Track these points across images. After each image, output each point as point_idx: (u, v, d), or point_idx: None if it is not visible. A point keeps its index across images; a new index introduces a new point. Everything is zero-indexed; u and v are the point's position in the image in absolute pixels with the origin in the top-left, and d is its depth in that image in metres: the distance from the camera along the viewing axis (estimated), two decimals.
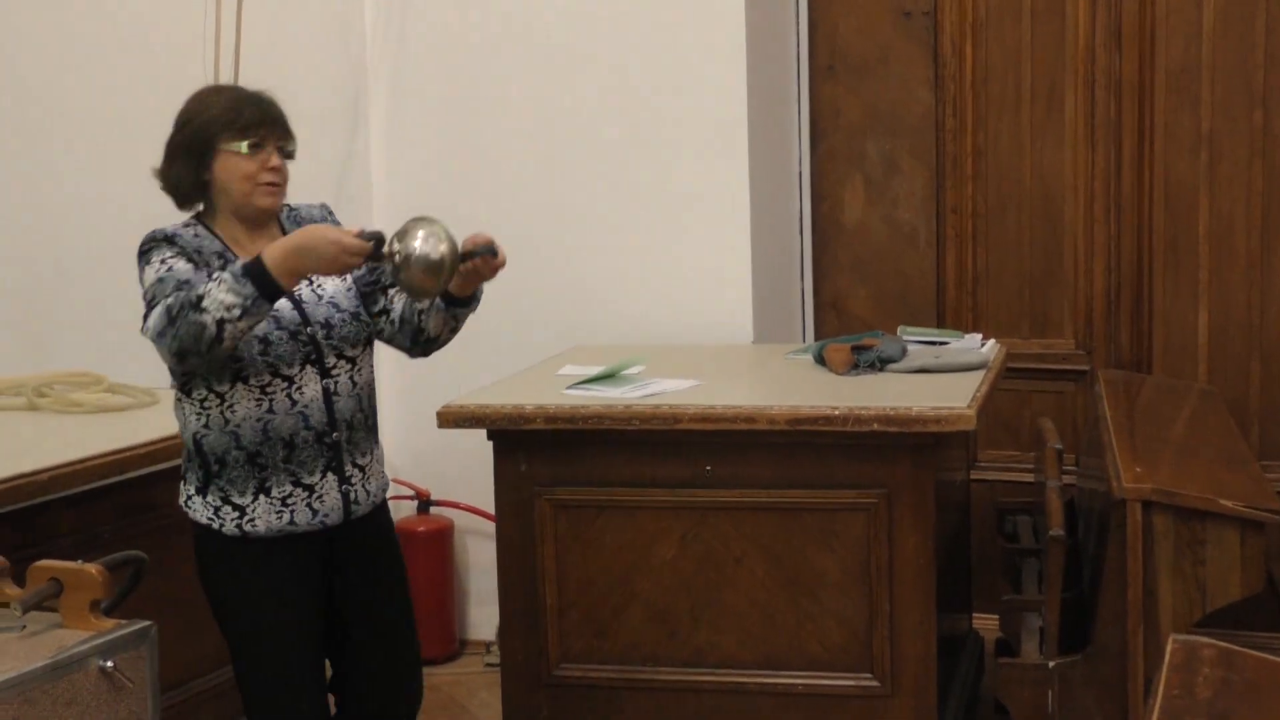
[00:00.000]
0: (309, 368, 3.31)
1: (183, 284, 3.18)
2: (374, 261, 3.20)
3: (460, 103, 5.33)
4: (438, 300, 3.36)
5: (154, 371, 5.27)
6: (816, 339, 5.41)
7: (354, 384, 3.40)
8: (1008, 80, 5.45)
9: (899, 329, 4.75)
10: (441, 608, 5.33)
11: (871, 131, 5.58)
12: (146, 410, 4.56)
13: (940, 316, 5.54)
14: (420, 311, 3.40)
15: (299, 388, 3.30)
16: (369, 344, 3.46)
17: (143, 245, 3.28)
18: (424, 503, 5.37)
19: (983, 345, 4.54)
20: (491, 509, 4.30)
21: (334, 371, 3.35)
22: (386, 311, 3.46)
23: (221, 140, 3.28)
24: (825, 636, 4.03)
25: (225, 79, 5.16)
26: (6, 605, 3.33)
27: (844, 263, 5.64)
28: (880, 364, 4.34)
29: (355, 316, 3.41)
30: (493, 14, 5.27)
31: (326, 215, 3.55)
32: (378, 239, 3.14)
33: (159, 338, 3.16)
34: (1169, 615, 3.81)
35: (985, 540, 5.21)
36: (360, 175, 5.40)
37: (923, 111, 5.51)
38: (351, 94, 5.37)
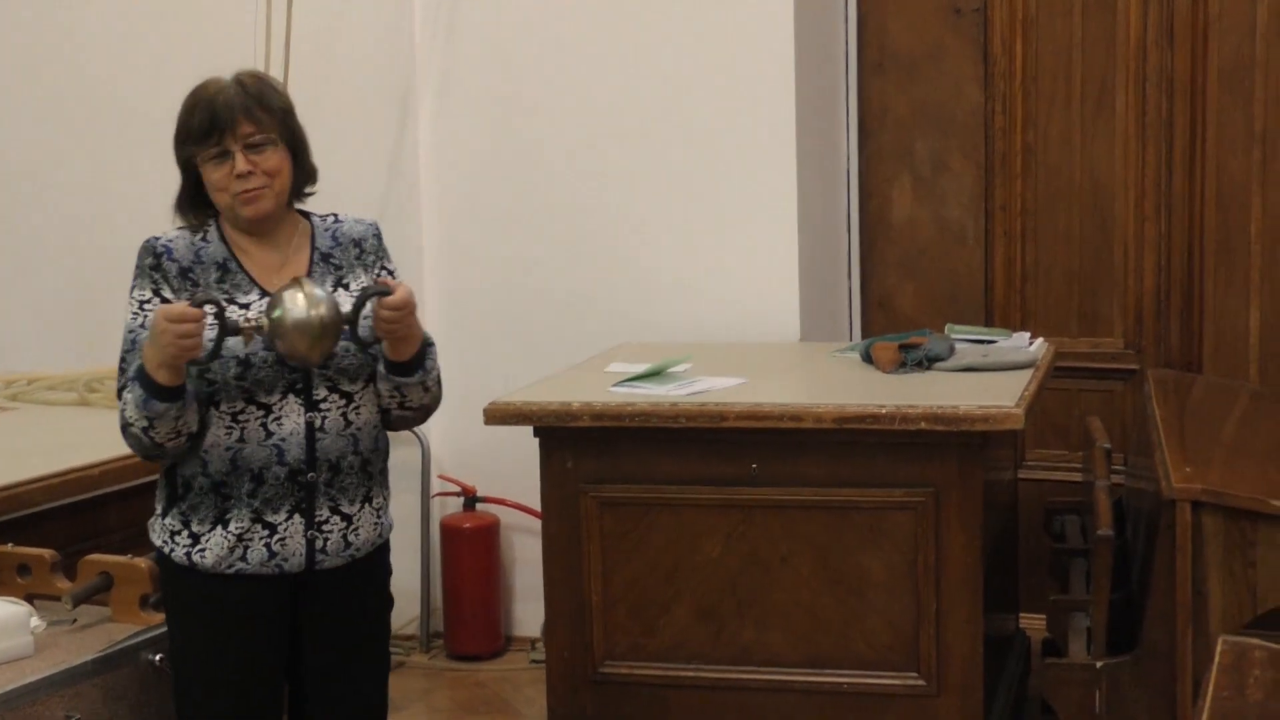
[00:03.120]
0: (291, 397, 2.98)
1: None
2: (228, 335, 2.84)
3: (508, 100, 5.34)
4: (380, 365, 3.02)
5: None
6: (863, 337, 5.40)
7: (346, 422, 3.04)
8: (1058, 77, 5.42)
9: (946, 327, 4.73)
10: (487, 604, 5.34)
11: (920, 129, 5.56)
12: None
13: (988, 315, 5.52)
14: (377, 378, 3.07)
15: (277, 418, 2.98)
16: (375, 381, 3.09)
17: (138, 256, 3.05)
18: (470, 499, 5.38)
19: (1031, 344, 4.52)
20: (537, 506, 4.31)
21: (322, 405, 3.01)
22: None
23: (195, 154, 2.99)
24: (872, 636, 4.02)
25: (275, 76, 5.19)
26: (57, 598, 3.37)
27: (891, 260, 5.63)
28: (928, 362, 4.33)
29: (365, 349, 3.05)
30: (541, 11, 5.28)
31: (372, 236, 3.20)
32: (210, 301, 2.84)
33: (122, 437, 2.98)
34: (1218, 616, 3.78)
35: (1032, 540, 5.19)
36: (409, 173, 5.41)
37: (972, 109, 5.49)
38: (401, 92, 5.39)
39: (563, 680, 4.21)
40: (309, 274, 3.04)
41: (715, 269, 5.19)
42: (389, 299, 2.92)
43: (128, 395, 2.89)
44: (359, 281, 3.10)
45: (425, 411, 3.15)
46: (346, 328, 2.92)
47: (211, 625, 3.03)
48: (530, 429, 4.16)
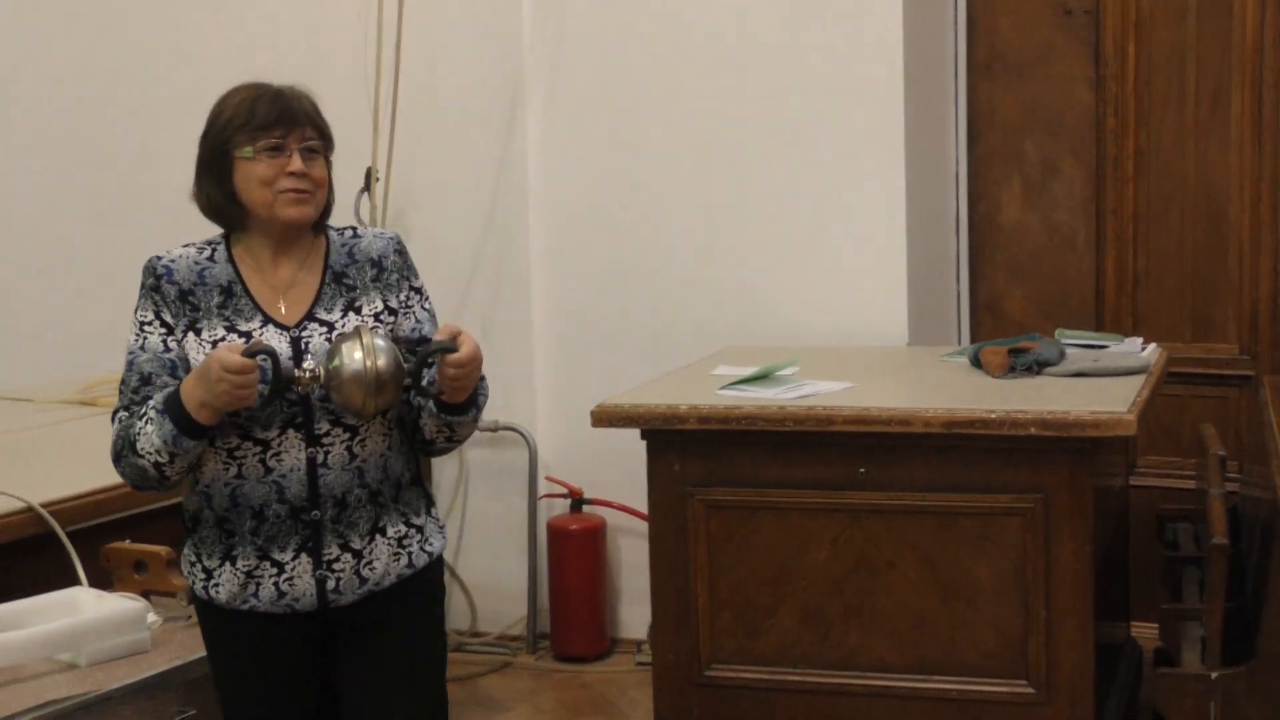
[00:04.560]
0: (291, 432, 2.79)
1: (140, 386, 2.80)
2: (284, 385, 2.72)
3: (616, 105, 5.34)
4: (429, 403, 2.83)
5: None
6: (972, 341, 5.34)
7: (352, 456, 2.83)
8: (1171, 79, 5.33)
9: (1056, 332, 4.68)
10: (593, 606, 5.34)
11: (1030, 131, 5.49)
12: None
13: (1099, 319, 5.44)
14: (419, 410, 2.87)
15: (276, 454, 2.79)
16: (383, 412, 2.84)
17: (142, 274, 2.87)
18: (577, 501, 5.39)
19: (1143, 349, 4.45)
20: (644, 508, 4.31)
21: (324, 440, 2.81)
22: (406, 389, 2.85)
23: (235, 145, 2.80)
24: (980, 642, 3.97)
25: (385, 83, 5.23)
26: (173, 594, 3.40)
27: (1000, 264, 5.56)
28: (1038, 367, 4.28)
29: (428, 399, 2.85)
30: (648, 17, 5.28)
31: (393, 252, 2.95)
32: (265, 351, 2.68)
33: (114, 466, 2.82)
34: None
35: (1144, 547, 5.11)
36: (516, 178, 5.43)
37: (1082, 111, 5.42)
38: (509, 98, 5.40)
39: (669, 683, 4.20)
40: (320, 294, 2.86)
41: (823, 272, 5.15)
42: (455, 357, 2.73)
43: (147, 427, 2.72)
44: (373, 305, 2.88)
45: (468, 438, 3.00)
46: (408, 380, 2.77)
47: (234, 659, 2.91)
48: (637, 431, 4.16)
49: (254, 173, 2.78)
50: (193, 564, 2.88)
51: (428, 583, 2.96)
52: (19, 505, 3.54)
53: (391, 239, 2.96)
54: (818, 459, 4.03)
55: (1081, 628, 3.91)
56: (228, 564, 2.83)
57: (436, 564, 2.98)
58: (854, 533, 4.04)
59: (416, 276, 2.97)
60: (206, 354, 2.72)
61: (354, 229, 2.96)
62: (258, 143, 2.78)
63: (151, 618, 3.19)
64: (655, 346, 5.16)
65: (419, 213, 5.49)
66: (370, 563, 2.85)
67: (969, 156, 5.55)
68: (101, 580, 3.43)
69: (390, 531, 2.88)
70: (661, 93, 5.28)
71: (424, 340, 2.86)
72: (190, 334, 2.80)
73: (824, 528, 4.05)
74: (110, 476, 3.05)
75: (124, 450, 2.77)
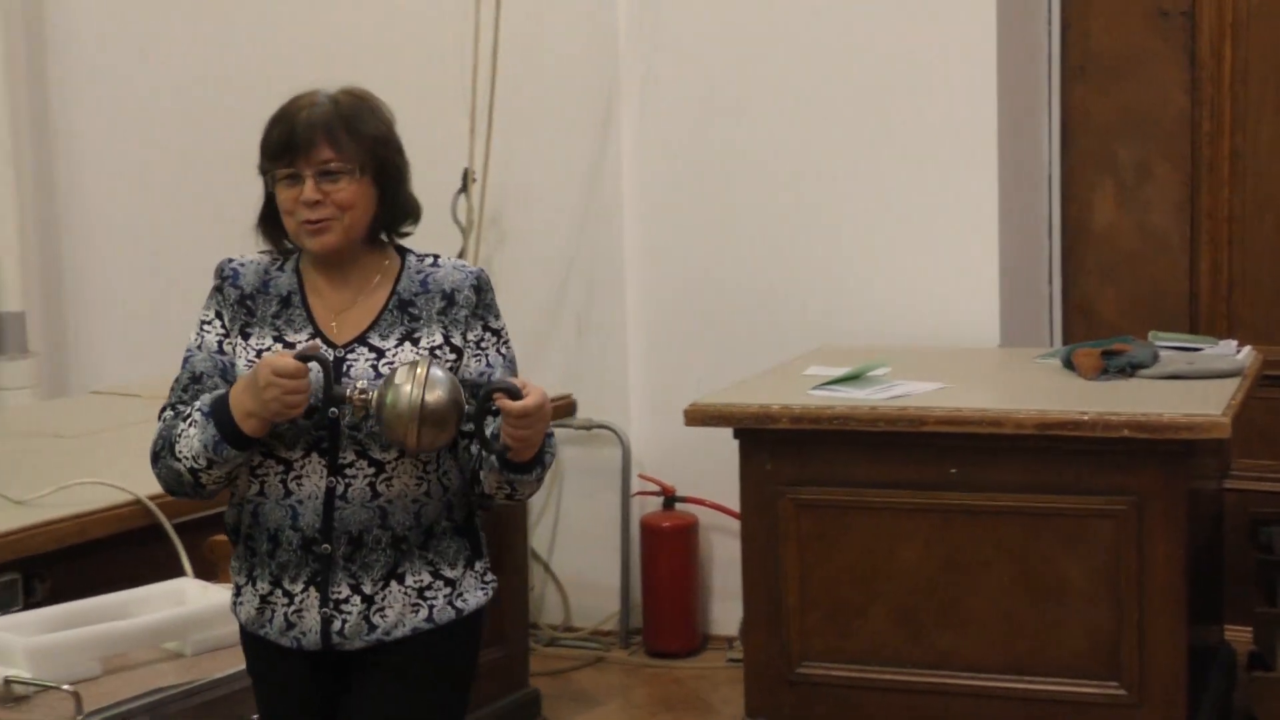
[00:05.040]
0: (315, 456, 2.61)
1: (190, 384, 2.69)
2: (334, 400, 2.56)
3: (709, 104, 5.34)
4: (492, 458, 2.57)
5: None
6: (1064, 343, 5.30)
7: (374, 493, 2.61)
8: (1268, 82, 5.26)
9: (1150, 334, 4.64)
10: (685, 602, 5.36)
11: (1123, 135, 5.43)
12: None
13: (1193, 322, 5.37)
14: (479, 459, 2.62)
15: (297, 477, 2.62)
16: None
17: (214, 276, 2.79)
18: (669, 499, 5.40)
19: (1238, 352, 4.41)
20: (736, 506, 4.31)
21: (347, 471, 2.61)
22: (467, 435, 2.63)
23: (264, 172, 2.67)
24: (1071, 643, 3.95)
25: (483, 87, 5.28)
26: None
27: (1093, 267, 5.51)
28: (1131, 369, 4.25)
29: (492, 454, 2.59)
30: (740, 22, 5.28)
31: (469, 287, 2.70)
32: (317, 358, 2.54)
33: (152, 466, 2.70)
34: None
35: (1238, 550, 5.05)
36: (611, 176, 5.45)
37: (1177, 114, 5.36)
38: (604, 101, 5.43)
39: (760, 680, 4.21)
40: (379, 319, 2.67)
41: (915, 273, 5.14)
42: (516, 405, 2.48)
43: (189, 429, 2.60)
44: (432, 338, 2.66)
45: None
46: (470, 426, 2.57)
47: (257, 680, 2.79)
48: (730, 430, 4.17)
49: (280, 201, 2.65)
50: (234, 580, 2.75)
51: (451, 639, 2.70)
52: (128, 498, 3.61)
53: (472, 273, 2.72)
54: (909, 459, 4.02)
55: (1174, 630, 3.87)
56: (250, 584, 2.69)
57: (468, 621, 2.71)
58: (945, 533, 4.03)
59: (497, 318, 2.73)
60: (251, 361, 2.63)
61: (435, 257, 2.74)
62: (276, 171, 2.63)
63: None
64: (747, 347, 5.17)
65: (515, 213, 5.52)
66: (382, 610, 2.63)
67: (1062, 160, 5.51)
68: (205, 572, 3.47)
69: (410, 580, 2.64)
70: (753, 97, 5.28)
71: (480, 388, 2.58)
72: (240, 339, 2.69)
73: (915, 527, 4.05)
74: None
75: (163, 451, 2.65)
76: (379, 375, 2.59)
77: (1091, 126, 5.48)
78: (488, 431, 2.54)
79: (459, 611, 2.68)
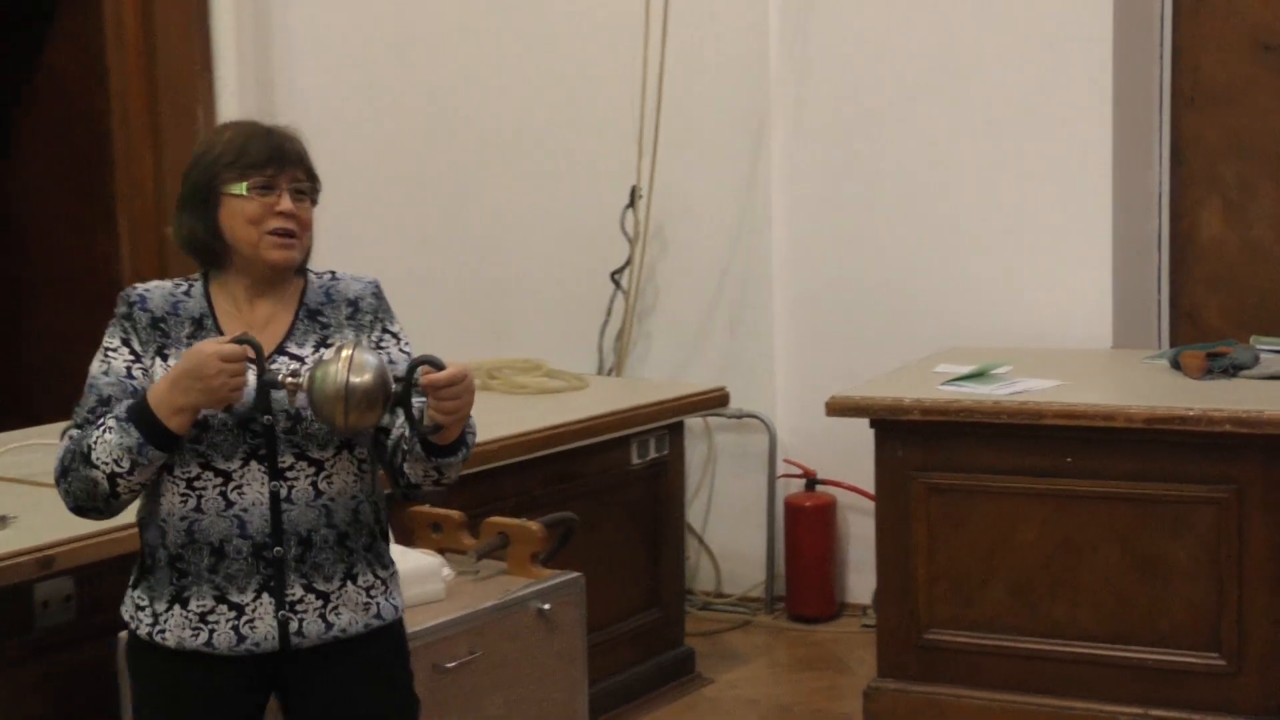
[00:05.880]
0: (254, 464, 2.41)
1: (97, 406, 2.42)
2: (272, 389, 2.37)
3: (850, 131, 5.32)
4: (416, 446, 2.42)
5: (584, 360, 5.49)
6: (1172, 346, 5.21)
7: (317, 492, 2.44)
8: None
9: (1252, 338, 4.54)
10: (824, 573, 5.35)
11: (1229, 156, 5.31)
12: (577, 394, 4.72)
13: None
14: (403, 452, 2.46)
15: (238, 487, 2.41)
16: (349, 448, 2.49)
17: (116, 303, 2.52)
18: (811, 481, 5.39)
19: None
20: (870, 489, 4.30)
21: (288, 474, 2.43)
22: (385, 430, 2.49)
23: (225, 181, 2.44)
24: (1174, 617, 3.89)
25: (649, 111, 5.31)
26: (463, 553, 3.51)
27: (1199, 277, 5.40)
28: (1233, 370, 4.17)
29: (420, 435, 2.42)
30: (881, 52, 5.25)
31: (369, 295, 2.58)
32: (249, 341, 2.34)
33: (57, 484, 2.43)
34: None
35: None
36: (761, 193, 5.45)
37: (1279, 137, 5.23)
38: (756, 124, 5.43)
39: (891, 644, 4.20)
40: (292, 329, 2.51)
41: (1036, 281, 5.08)
42: (439, 375, 2.33)
43: (105, 436, 2.35)
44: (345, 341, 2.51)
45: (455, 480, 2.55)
46: (389, 420, 2.45)
47: (171, 705, 2.48)
48: (866, 420, 4.16)
49: (242, 210, 2.43)
50: (141, 608, 2.47)
51: (394, 637, 2.57)
52: None
53: (370, 283, 2.59)
54: (1028, 449, 3.99)
55: (1271, 607, 3.80)
56: (177, 606, 2.43)
57: (401, 619, 2.59)
58: (1060, 516, 3.99)
59: (393, 321, 2.59)
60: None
61: (333, 273, 2.60)
62: (249, 179, 2.43)
63: (446, 571, 3.28)
64: (883, 346, 5.15)
65: (677, 225, 5.55)
66: (336, 609, 2.46)
67: (1171, 179, 5.41)
68: (404, 538, 3.53)
69: (360, 580, 2.49)
70: (891, 119, 5.26)
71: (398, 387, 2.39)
72: (158, 359, 2.45)
73: (1033, 510, 4.01)
74: None
75: (73, 463, 2.38)
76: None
77: (1200, 150, 5.37)
78: (415, 413, 2.39)
79: (396, 609, 2.56)
